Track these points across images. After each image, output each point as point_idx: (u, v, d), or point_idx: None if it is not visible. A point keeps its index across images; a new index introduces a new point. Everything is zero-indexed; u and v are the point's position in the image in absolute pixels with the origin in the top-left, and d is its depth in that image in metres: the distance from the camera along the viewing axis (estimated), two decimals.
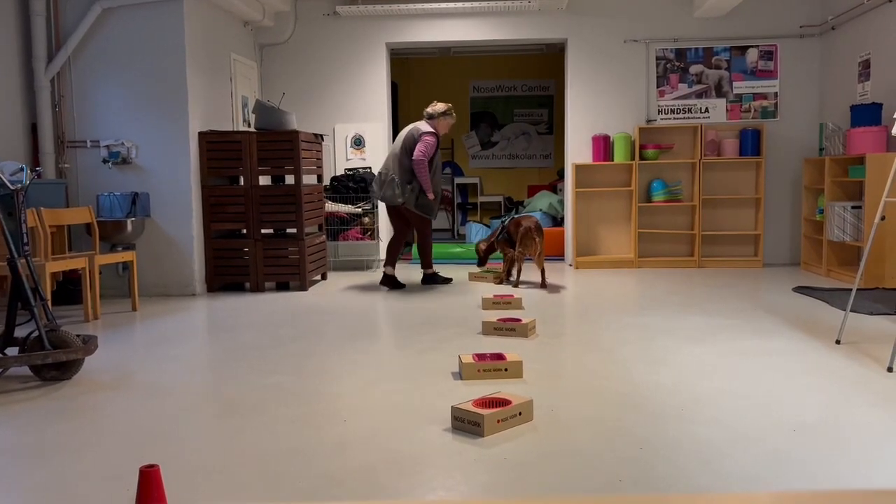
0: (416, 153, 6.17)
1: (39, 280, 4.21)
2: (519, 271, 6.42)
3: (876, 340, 4.21)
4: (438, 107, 6.37)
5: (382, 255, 8.01)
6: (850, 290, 5.86)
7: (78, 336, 3.81)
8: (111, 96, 6.34)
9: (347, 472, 2.49)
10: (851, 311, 5.03)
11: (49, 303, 4.23)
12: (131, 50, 6.29)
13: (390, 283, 6.51)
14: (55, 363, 3.70)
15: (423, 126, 6.33)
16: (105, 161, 6.33)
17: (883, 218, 4.02)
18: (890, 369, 3.58)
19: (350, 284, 6.81)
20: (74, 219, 5.54)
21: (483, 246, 6.80)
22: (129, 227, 6.06)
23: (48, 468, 2.60)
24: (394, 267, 6.54)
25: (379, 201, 6.55)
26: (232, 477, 2.49)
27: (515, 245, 6.40)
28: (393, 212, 6.48)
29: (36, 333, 3.70)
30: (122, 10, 6.26)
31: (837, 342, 4.16)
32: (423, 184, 6.24)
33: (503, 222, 6.64)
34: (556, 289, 6.30)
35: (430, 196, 6.29)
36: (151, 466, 1.89)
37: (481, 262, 6.86)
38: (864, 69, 6.71)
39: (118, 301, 6.18)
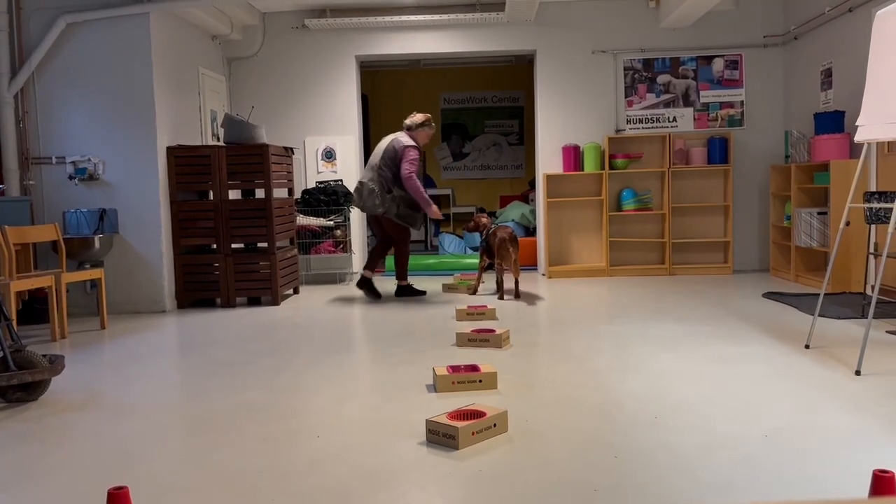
0: (405, 171, 6.13)
1: (4, 299, 4.13)
2: (502, 283, 6.40)
3: (844, 344, 4.28)
4: (417, 118, 6.38)
5: (356, 268, 7.98)
6: (818, 294, 5.95)
7: (44, 356, 3.74)
8: (77, 112, 6.25)
9: (321, 489, 2.47)
10: (819, 315, 5.10)
11: (14, 322, 4.15)
12: (97, 65, 6.21)
13: (366, 286, 6.50)
14: (20, 384, 3.63)
15: (403, 138, 6.29)
16: (71, 177, 6.24)
17: (847, 223, 4.08)
18: (858, 373, 3.63)
19: (323, 298, 6.77)
20: (40, 236, 5.45)
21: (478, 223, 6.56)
22: (97, 244, 5.97)
23: (13, 492, 2.54)
24: (373, 272, 6.53)
25: (360, 211, 6.51)
26: (203, 497, 2.44)
27: (494, 256, 6.36)
28: (374, 221, 6.47)
29: (0, 354, 3.63)
30: (87, 24, 6.19)
31: (807, 347, 4.22)
32: (419, 200, 6.21)
33: (487, 231, 6.52)
34: (529, 298, 6.31)
35: (432, 209, 6.23)
36: (120, 488, 1.86)
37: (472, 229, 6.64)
38: (827, 77, 6.83)
39: (86, 319, 6.08)
